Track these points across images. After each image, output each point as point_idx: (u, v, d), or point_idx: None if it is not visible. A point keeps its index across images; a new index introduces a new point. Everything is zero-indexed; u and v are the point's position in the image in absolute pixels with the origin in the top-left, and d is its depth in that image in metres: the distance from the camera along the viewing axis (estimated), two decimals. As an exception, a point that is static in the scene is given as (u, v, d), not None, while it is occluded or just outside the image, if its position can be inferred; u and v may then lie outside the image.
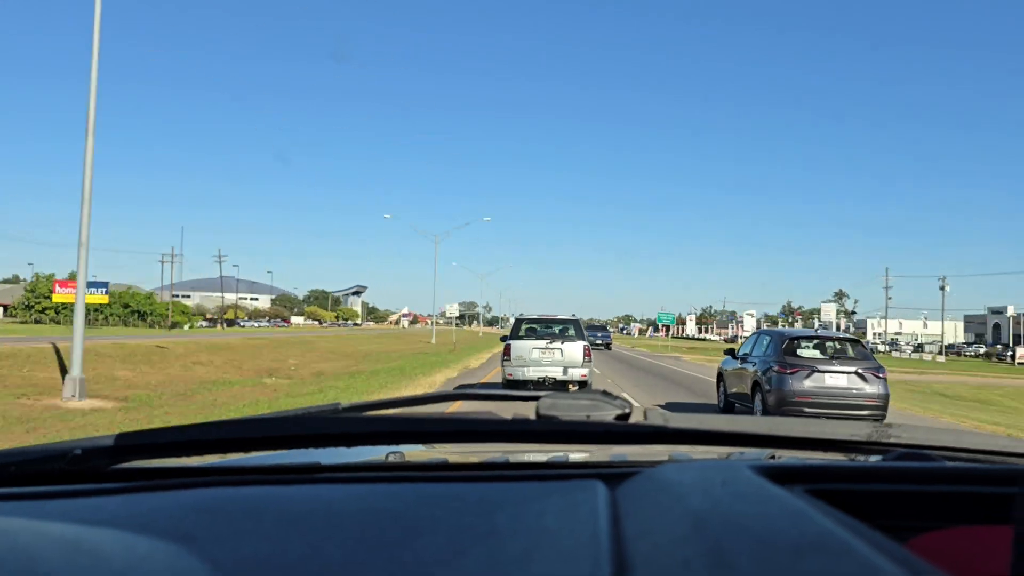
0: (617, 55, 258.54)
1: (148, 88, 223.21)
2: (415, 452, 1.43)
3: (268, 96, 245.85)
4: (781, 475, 0.80)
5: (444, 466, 1.19)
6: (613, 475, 0.88)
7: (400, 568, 0.64)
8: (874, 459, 1.11)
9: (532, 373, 14.46)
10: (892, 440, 1.13)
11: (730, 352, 13.95)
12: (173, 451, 1.02)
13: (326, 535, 0.72)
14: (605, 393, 1.13)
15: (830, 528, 0.58)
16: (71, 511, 0.82)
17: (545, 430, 1.04)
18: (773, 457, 1.24)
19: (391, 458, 1.27)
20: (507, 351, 14.80)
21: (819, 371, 11.03)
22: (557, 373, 14.46)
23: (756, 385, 11.85)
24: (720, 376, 14.44)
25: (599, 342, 45.32)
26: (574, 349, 14.62)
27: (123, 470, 0.99)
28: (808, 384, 10.98)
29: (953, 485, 0.87)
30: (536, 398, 1.08)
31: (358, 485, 0.92)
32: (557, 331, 15.52)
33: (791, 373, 11.13)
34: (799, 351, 11.68)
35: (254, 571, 0.65)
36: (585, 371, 14.58)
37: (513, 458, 1.33)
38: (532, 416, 1.05)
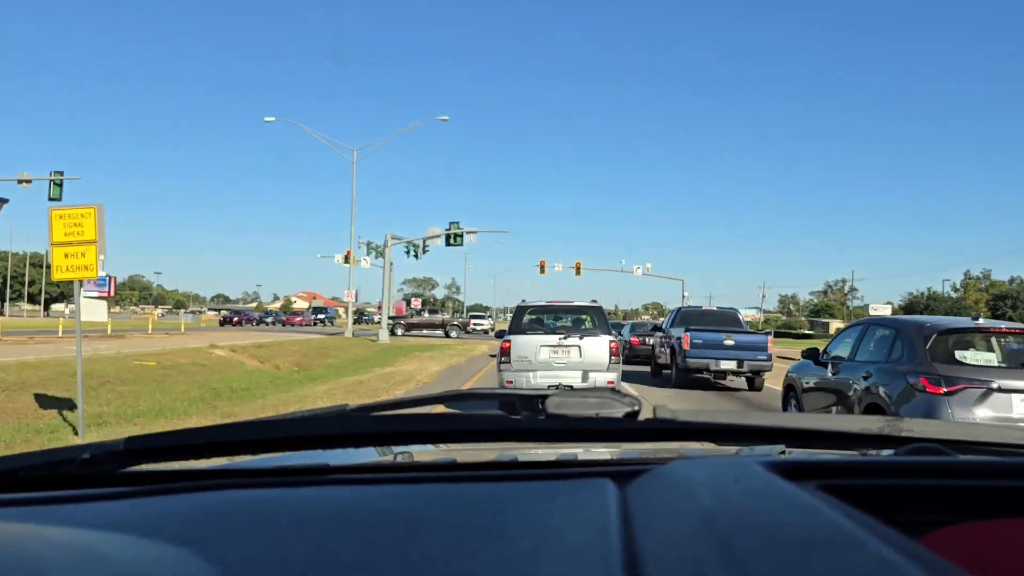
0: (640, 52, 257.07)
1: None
2: (424, 452, 1.43)
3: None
4: (792, 471, 0.79)
5: (453, 466, 1.19)
6: (623, 473, 0.88)
7: (409, 568, 0.64)
8: (886, 453, 1.10)
9: (540, 380, 10.84)
10: (904, 434, 1.13)
11: (811, 354, 8.90)
12: (182, 454, 1.02)
13: (335, 536, 0.72)
14: (614, 390, 1.12)
15: (841, 524, 0.58)
16: (80, 516, 0.82)
17: (554, 428, 1.04)
18: (784, 453, 1.24)
19: (400, 458, 1.27)
20: (505, 350, 11.05)
21: (1000, 391, 6.16)
22: (575, 379, 10.85)
23: (875, 412, 6.89)
24: (790, 390, 9.47)
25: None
26: (597, 346, 10.97)
27: (132, 473, 1.00)
28: (982, 414, 6.11)
29: (967, 479, 0.86)
30: (546, 396, 1.07)
31: (367, 486, 0.92)
32: (572, 323, 11.94)
33: (950, 393, 6.20)
34: (958, 354, 6.63)
35: (264, 573, 0.64)
36: (612, 376, 10.90)
37: (522, 457, 1.33)
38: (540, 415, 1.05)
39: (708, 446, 1.40)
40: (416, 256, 39.23)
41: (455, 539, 0.69)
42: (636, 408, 1.06)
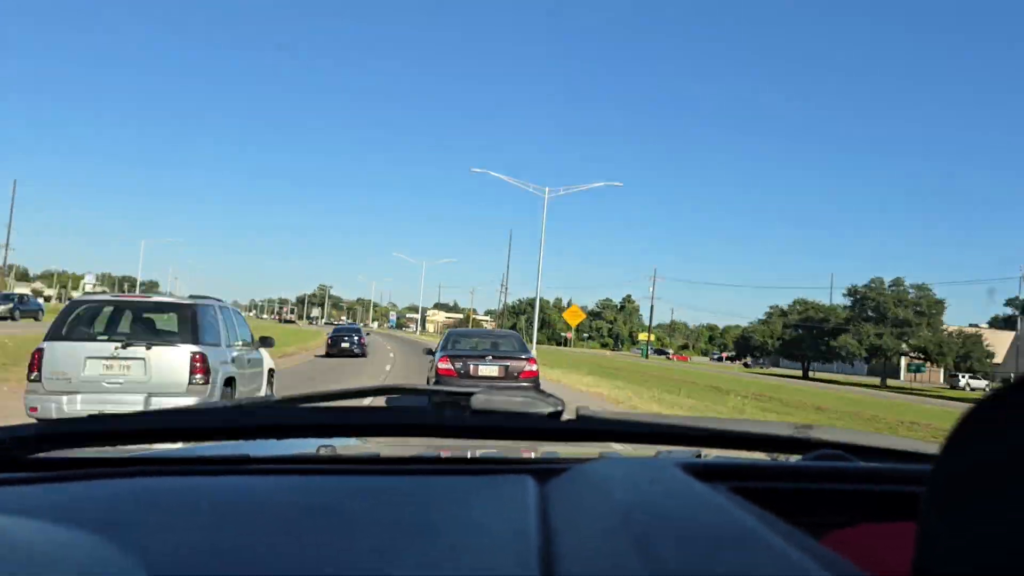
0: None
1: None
2: (347, 445, 1.43)
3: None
4: (706, 473, 0.83)
5: (376, 459, 1.19)
6: (544, 471, 0.90)
7: (330, 560, 0.64)
8: (795, 458, 1.16)
9: (80, 406, 7.51)
10: (812, 439, 1.19)
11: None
12: (98, 440, 0.99)
13: (255, 525, 0.71)
14: (538, 390, 1.14)
15: (749, 523, 0.61)
16: None
17: (478, 426, 1.05)
18: (699, 455, 1.28)
19: (323, 451, 1.26)
20: (36, 362, 7.65)
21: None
22: (136, 406, 7.51)
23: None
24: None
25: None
26: (172, 359, 7.75)
27: (45, 460, 0.97)
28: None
29: (865, 484, 0.92)
30: (471, 393, 1.09)
31: (289, 476, 0.91)
32: (149, 326, 8.28)
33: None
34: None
35: (179, 560, 0.64)
36: (192, 401, 7.58)
37: (446, 453, 1.34)
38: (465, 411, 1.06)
39: (628, 447, 1.44)
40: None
41: (377, 532, 0.70)
42: (559, 408, 1.09)
